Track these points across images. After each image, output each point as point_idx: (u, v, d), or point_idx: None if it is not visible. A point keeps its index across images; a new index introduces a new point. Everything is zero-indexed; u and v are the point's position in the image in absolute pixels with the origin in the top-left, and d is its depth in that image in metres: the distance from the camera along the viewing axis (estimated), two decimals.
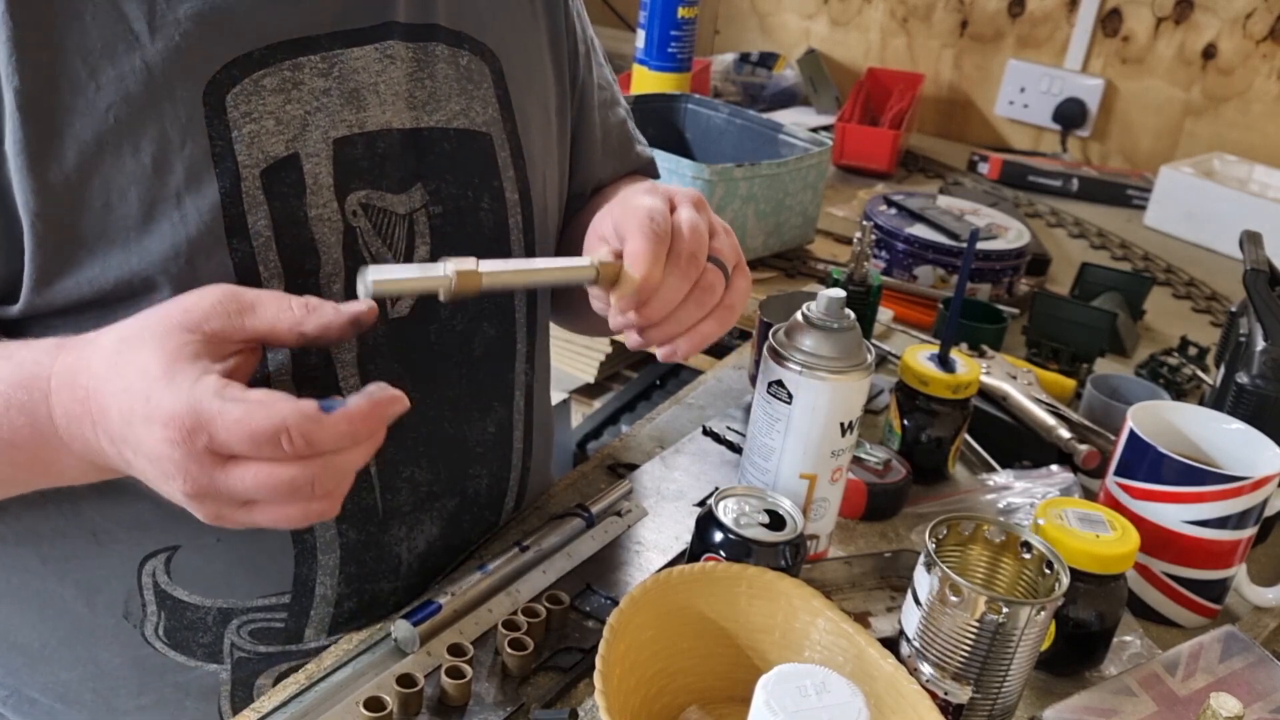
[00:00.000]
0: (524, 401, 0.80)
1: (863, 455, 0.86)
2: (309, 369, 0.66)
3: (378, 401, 0.52)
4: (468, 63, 0.72)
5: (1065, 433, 0.91)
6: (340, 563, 0.70)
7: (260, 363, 0.63)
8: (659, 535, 0.80)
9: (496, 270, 0.57)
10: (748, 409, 0.96)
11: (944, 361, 0.89)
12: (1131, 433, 0.76)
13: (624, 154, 0.92)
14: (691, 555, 0.69)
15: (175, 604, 0.69)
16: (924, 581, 0.62)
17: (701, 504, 0.82)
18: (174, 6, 0.60)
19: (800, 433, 0.72)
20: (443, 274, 0.55)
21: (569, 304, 0.88)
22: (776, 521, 0.67)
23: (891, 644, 0.64)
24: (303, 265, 0.64)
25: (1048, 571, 0.63)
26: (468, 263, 0.56)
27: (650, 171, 0.96)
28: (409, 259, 0.69)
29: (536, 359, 0.82)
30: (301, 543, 0.69)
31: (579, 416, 1.68)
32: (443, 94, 0.71)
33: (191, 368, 0.51)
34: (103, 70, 0.58)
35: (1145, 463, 0.75)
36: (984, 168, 1.80)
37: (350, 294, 0.67)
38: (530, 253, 0.77)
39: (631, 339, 0.66)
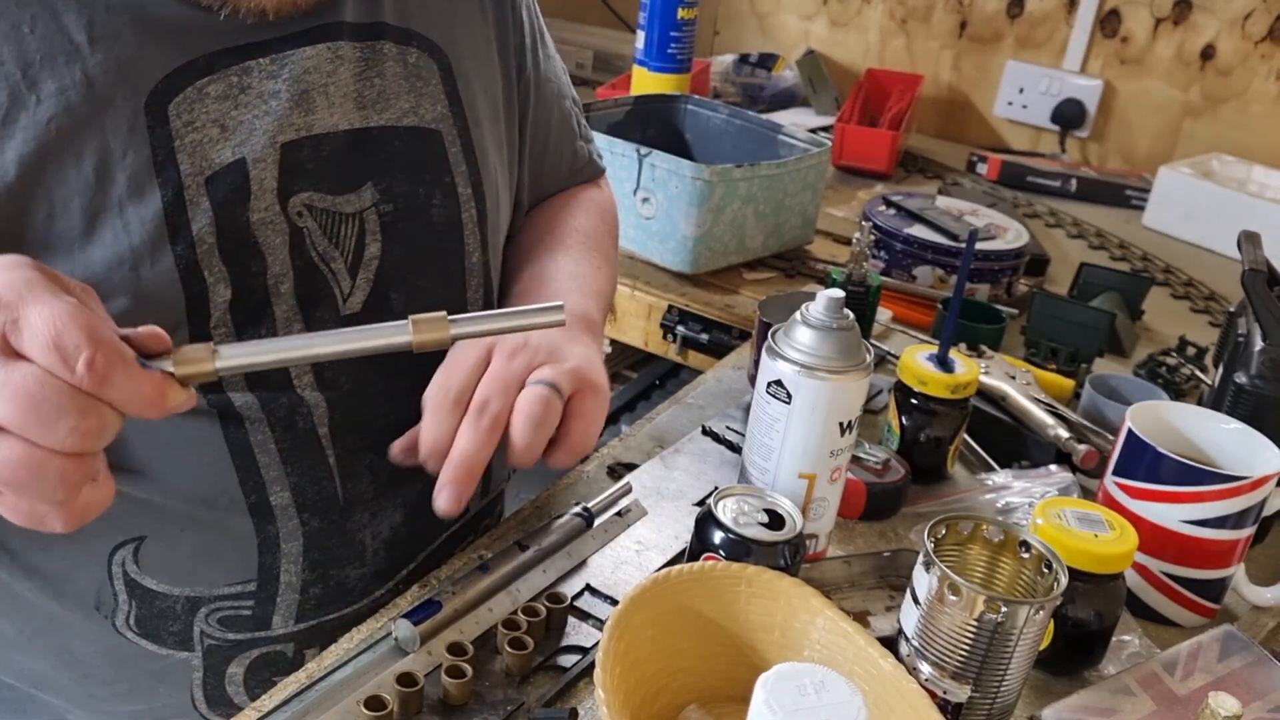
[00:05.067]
0: None
1: (862, 455, 0.86)
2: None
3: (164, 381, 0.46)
4: (416, 60, 0.72)
5: (1064, 432, 0.91)
6: (304, 550, 0.71)
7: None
8: (659, 535, 0.80)
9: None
10: (747, 409, 0.96)
11: (943, 361, 0.89)
12: (1130, 432, 0.76)
13: (564, 151, 0.92)
14: (691, 555, 0.69)
15: (145, 593, 0.70)
16: (923, 581, 0.62)
17: (701, 503, 0.83)
18: (115, 16, 0.59)
19: (799, 432, 0.72)
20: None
21: None
22: (775, 521, 0.68)
23: (890, 643, 0.64)
24: (248, 268, 0.64)
25: (1046, 571, 0.64)
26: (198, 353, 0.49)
27: (590, 172, 0.96)
28: (359, 257, 0.70)
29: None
30: (264, 531, 0.70)
31: None
32: (392, 92, 0.71)
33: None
34: (43, 82, 0.57)
35: (1144, 462, 0.75)
36: (983, 168, 1.81)
37: (299, 293, 0.67)
38: (484, 245, 0.77)
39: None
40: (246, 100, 0.63)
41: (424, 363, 0.74)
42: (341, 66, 0.67)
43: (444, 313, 0.53)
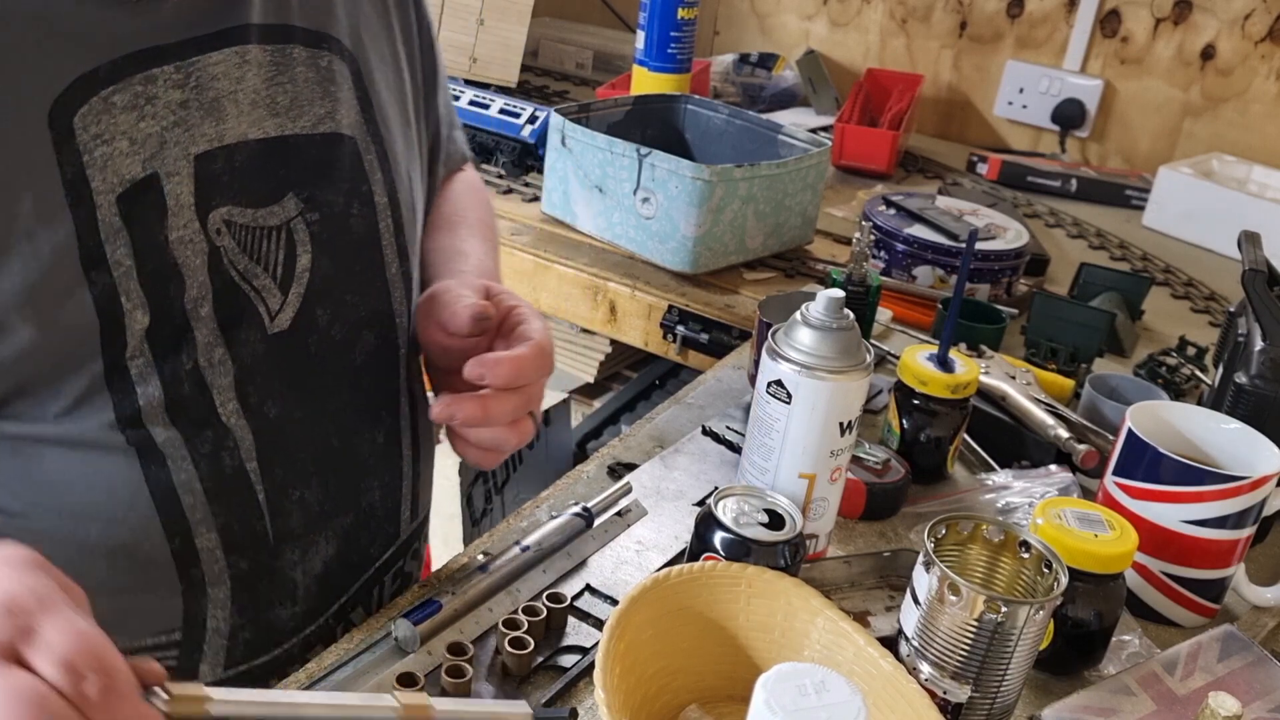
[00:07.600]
0: (409, 407, 0.78)
1: (862, 455, 0.86)
2: (182, 398, 0.63)
3: None
4: (328, 64, 0.69)
5: (1064, 432, 0.91)
6: (231, 594, 0.68)
7: (128, 390, 0.61)
8: (659, 535, 0.80)
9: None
10: (747, 409, 0.96)
11: (943, 361, 0.89)
12: (1130, 432, 0.76)
13: (453, 143, 0.91)
14: (691, 555, 0.69)
15: None
16: (923, 581, 0.62)
17: (701, 503, 0.83)
18: (5, 27, 0.56)
19: (799, 432, 0.72)
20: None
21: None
22: (776, 521, 0.68)
23: (890, 643, 0.64)
24: (166, 291, 0.61)
25: (1046, 571, 0.64)
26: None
27: (461, 158, 0.93)
28: (290, 270, 0.67)
29: (417, 364, 0.80)
30: (188, 577, 0.67)
31: (579, 416, 1.68)
32: (305, 98, 0.67)
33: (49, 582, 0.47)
34: None
35: (1144, 462, 0.75)
36: (983, 168, 1.81)
37: (220, 315, 0.64)
38: (402, 255, 0.75)
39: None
40: (153, 111, 0.60)
41: (352, 391, 0.72)
42: (250, 72, 0.64)
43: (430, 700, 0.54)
